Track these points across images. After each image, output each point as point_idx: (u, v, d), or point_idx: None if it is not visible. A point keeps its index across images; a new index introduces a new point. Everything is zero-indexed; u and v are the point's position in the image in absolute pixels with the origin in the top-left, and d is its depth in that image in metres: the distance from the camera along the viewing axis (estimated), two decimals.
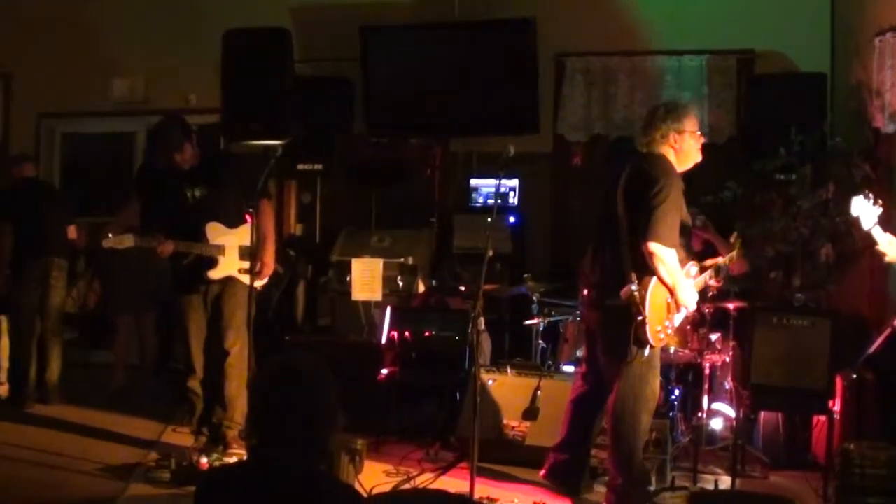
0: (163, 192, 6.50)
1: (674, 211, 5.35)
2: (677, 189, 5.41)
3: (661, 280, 5.31)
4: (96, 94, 9.87)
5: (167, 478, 5.90)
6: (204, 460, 5.94)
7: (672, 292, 5.37)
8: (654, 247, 5.27)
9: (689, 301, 5.46)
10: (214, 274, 6.45)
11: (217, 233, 6.48)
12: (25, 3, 10.04)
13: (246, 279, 6.26)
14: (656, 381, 5.58)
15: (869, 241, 5.55)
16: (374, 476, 6.10)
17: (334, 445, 5.39)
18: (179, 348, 7.34)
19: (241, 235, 6.41)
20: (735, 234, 6.15)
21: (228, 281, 6.51)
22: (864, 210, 5.36)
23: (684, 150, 5.58)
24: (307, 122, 8.57)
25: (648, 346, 5.35)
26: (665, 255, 5.29)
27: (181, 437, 6.97)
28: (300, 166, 8.82)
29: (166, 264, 6.73)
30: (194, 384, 6.62)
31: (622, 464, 5.55)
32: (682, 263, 5.48)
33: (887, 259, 5.49)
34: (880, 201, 5.35)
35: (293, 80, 8.63)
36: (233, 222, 6.50)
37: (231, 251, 6.47)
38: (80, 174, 10.36)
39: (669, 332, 5.49)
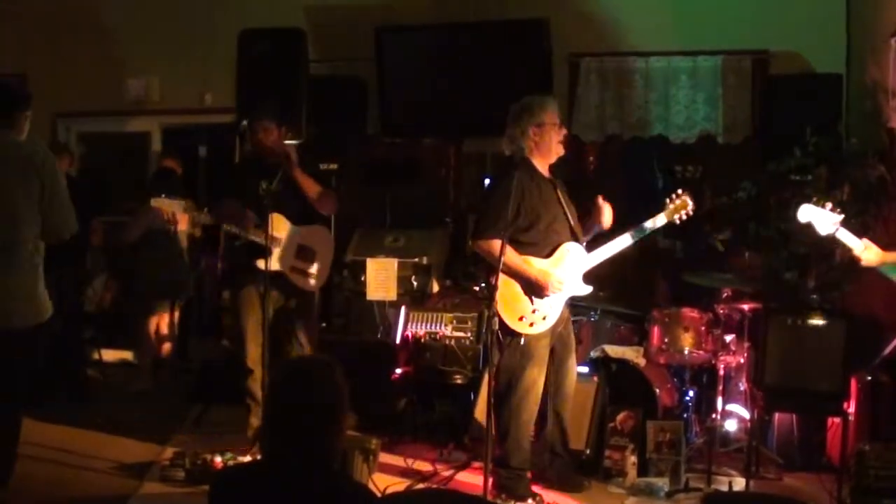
0: (237, 180, 6.51)
1: (498, 203, 5.52)
2: (512, 183, 5.47)
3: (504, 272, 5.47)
4: (111, 94, 9.89)
5: (181, 476, 5.91)
6: (218, 459, 5.95)
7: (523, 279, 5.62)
8: (476, 245, 5.66)
9: (547, 283, 5.62)
10: (263, 264, 6.16)
11: (279, 225, 6.39)
12: (41, 4, 10.06)
13: (302, 281, 6.46)
14: (535, 370, 5.72)
15: (832, 245, 5.65)
16: (387, 476, 6.12)
17: (344, 445, 5.40)
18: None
19: (304, 234, 6.50)
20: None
21: (293, 286, 6.50)
22: (817, 217, 5.51)
23: (545, 142, 5.76)
24: (322, 121, 8.57)
25: (518, 336, 5.63)
26: (488, 248, 5.54)
27: (196, 435, 7.00)
28: None
29: (186, 264, 6.73)
30: (253, 386, 6.47)
31: (501, 441, 5.73)
32: (550, 248, 5.72)
33: (863, 263, 5.53)
34: (838, 209, 5.51)
35: (308, 80, 8.64)
36: (298, 220, 6.50)
37: (288, 247, 6.45)
38: (96, 173, 10.38)
39: (544, 317, 5.69)
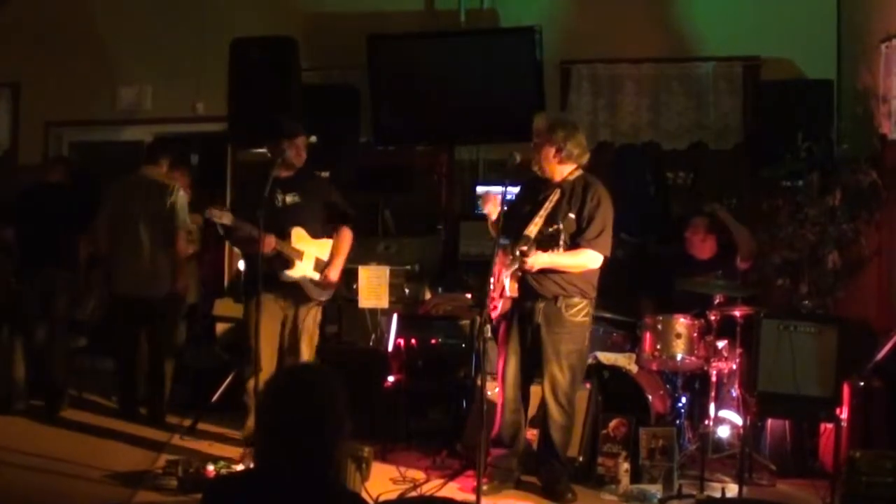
0: (255, 193, 6.50)
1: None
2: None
3: None
4: (103, 103, 9.89)
5: (174, 485, 5.90)
6: (210, 468, 5.94)
7: None
8: None
9: None
10: (291, 273, 6.59)
11: (300, 237, 6.66)
12: (33, 14, 10.06)
13: (314, 291, 6.68)
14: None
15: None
16: (380, 483, 6.11)
17: (343, 454, 5.39)
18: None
19: (320, 248, 6.76)
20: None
21: (302, 294, 6.67)
22: None
23: None
24: (314, 129, 8.53)
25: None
26: None
27: (189, 444, 6.98)
28: None
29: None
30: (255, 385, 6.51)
31: None
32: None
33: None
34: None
35: (300, 88, 8.63)
36: (315, 233, 6.75)
37: (308, 259, 6.68)
38: (89, 182, 10.34)
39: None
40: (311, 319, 6.78)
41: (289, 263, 6.60)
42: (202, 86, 9.45)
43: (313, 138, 6.96)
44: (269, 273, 6.43)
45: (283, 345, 6.72)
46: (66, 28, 9.94)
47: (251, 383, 6.49)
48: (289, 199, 6.66)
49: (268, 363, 6.51)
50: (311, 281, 6.69)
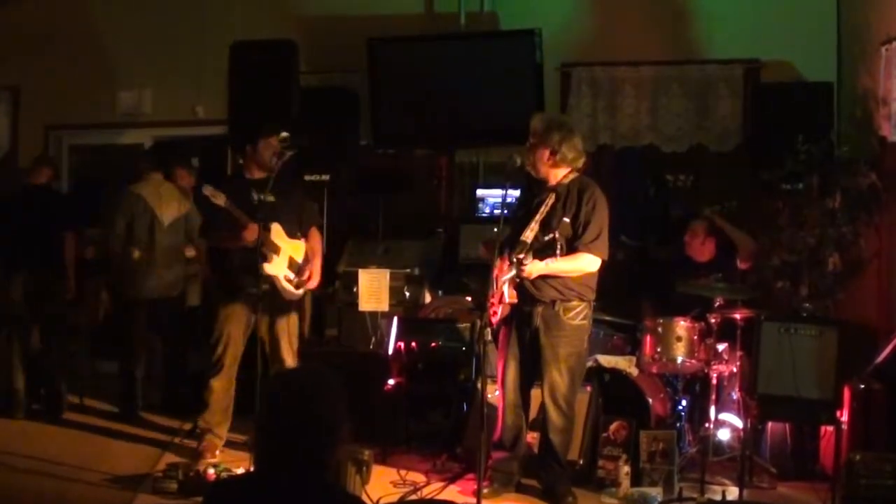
0: (233, 192, 6.55)
1: None
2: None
3: None
4: (103, 106, 9.89)
5: (174, 488, 5.91)
6: (211, 471, 5.94)
7: None
8: None
9: None
10: (268, 268, 6.55)
11: (278, 234, 6.68)
12: (32, 17, 10.07)
13: (287, 290, 6.70)
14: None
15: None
16: (380, 486, 6.11)
17: (341, 457, 5.39)
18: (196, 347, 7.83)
19: (294, 248, 6.77)
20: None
21: (279, 297, 6.69)
22: None
23: None
24: (314, 133, 8.56)
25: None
26: None
27: (189, 447, 6.98)
28: (307, 177, 8.79)
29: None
30: (216, 383, 6.72)
31: None
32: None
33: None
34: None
35: (300, 91, 8.64)
36: (290, 233, 6.78)
37: (283, 256, 6.69)
38: (89, 185, 10.36)
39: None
40: (287, 324, 6.79)
41: (266, 257, 6.56)
42: (202, 89, 9.47)
43: (285, 134, 6.86)
44: (246, 275, 6.46)
45: (265, 345, 6.68)
46: (67, 32, 9.96)
47: (214, 382, 6.72)
48: (264, 197, 6.58)
49: (229, 362, 6.68)
50: (286, 278, 6.70)
